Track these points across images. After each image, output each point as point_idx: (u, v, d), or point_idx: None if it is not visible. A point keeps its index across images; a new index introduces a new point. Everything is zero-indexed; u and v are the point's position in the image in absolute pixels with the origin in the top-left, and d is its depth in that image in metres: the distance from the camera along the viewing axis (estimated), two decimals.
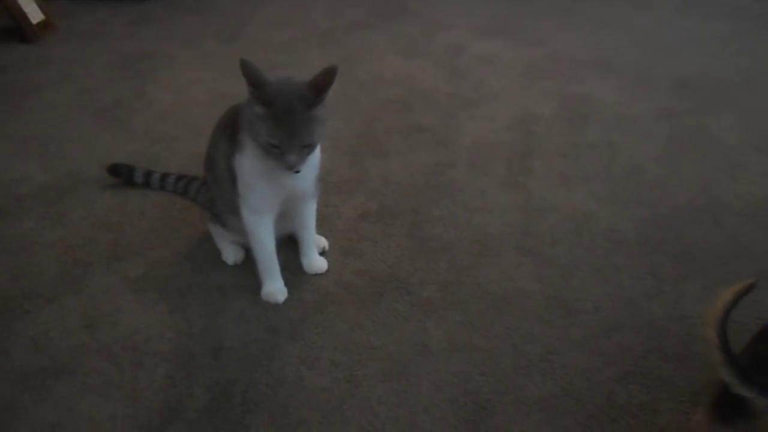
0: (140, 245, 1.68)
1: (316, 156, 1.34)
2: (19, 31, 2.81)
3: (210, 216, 1.63)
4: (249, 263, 1.56)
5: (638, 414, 1.25)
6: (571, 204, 1.83)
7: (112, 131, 2.19)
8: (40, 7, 2.90)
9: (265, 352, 1.38)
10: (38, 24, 2.86)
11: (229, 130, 1.34)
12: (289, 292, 1.51)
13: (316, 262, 1.57)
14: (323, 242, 1.63)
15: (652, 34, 3.16)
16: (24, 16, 2.80)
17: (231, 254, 1.61)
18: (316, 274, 1.57)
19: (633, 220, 1.78)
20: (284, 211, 1.43)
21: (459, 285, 1.54)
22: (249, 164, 1.30)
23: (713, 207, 1.85)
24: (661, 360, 1.36)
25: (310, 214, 1.50)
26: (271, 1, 3.30)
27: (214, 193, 1.52)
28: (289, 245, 1.61)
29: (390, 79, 2.53)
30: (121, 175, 1.89)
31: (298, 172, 1.24)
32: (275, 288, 1.49)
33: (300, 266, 1.59)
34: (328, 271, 1.58)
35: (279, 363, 1.36)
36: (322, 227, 1.69)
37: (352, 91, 2.43)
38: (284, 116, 1.17)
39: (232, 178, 1.36)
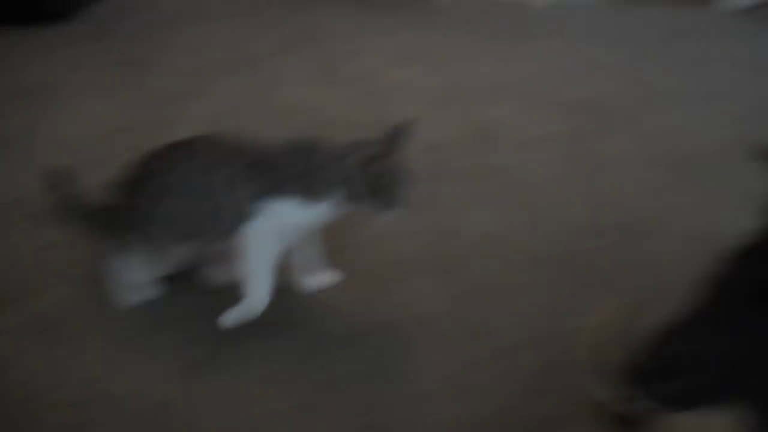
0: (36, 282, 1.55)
1: None
2: None
3: (116, 249, 1.46)
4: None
5: (548, 429, 1.26)
6: (480, 227, 1.85)
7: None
8: None
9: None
10: None
11: (262, 174, 1.34)
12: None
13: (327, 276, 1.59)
14: None
15: (555, 60, 3.31)
16: None
17: (134, 293, 1.49)
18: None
19: (538, 239, 1.82)
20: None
21: (371, 313, 1.51)
22: (312, 213, 1.36)
23: (609, 225, 1.92)
24: (567, 373, 1.38)
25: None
26: (179, 29, 3.21)
27: (168, 221, 1.37)
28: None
29: (301, 108, 2.50)
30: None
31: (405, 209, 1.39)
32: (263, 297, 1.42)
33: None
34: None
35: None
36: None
37: (262, 120, 2.38)
38: (399, 172, 1.37)
39: (238, 209, 1.34)
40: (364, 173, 1.32)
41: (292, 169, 1.34)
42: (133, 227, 1.39)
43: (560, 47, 3.50)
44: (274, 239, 1.37)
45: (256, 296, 1.39)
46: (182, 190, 1.34)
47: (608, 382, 0.85)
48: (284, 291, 1.50)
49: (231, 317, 1.40)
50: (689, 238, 1.86)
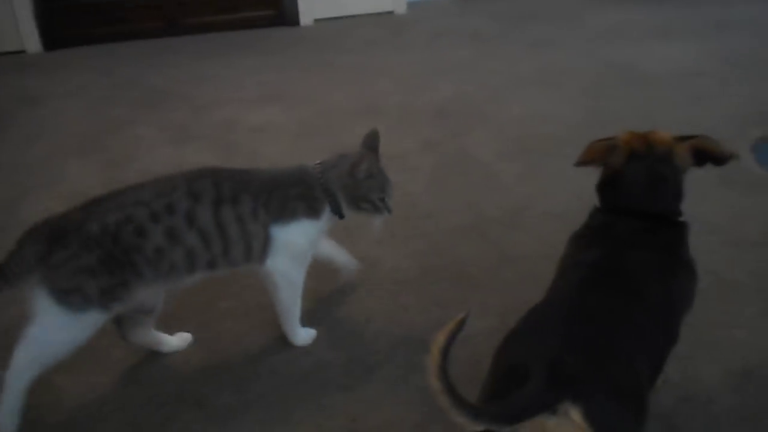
0: None
1: None
2: None
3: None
4: None
5: None
6: (356, 254, 1.84)
7: None
8: None
9: None
10: None
11: (270, 202, 1.39)
12: None
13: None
14: None
15: (409, 71, 3.38)
16: None
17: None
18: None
19: (413, 255, 1.83)
20: None
21: (256, 377, 1.45)
22: (318, 227, 1.45)
23: (479, 222, 1.97)
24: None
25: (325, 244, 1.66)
26: (16, 116, 3.00)
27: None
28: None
29: (161, 172, 2.40)
30: None
31: (390, 213, 1.50)
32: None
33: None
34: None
35: None
36: None
37: None
38: (384, 176, 1.48)
39: (247, 242, 1.38)
40: (354, 180, 1.43)
41: (289, 192, 1.42)
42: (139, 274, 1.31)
43: (410, 58, 3.59)
44: (299, 271, 1.46)
45: (300, 335, 1.51)
46: (189, 234, 1.32)
47: (456, 405, 0.85)
48: None
49: (292, 336, 1.51)
50: (548, 224, 1.94)
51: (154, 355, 1.52)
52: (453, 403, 0.84)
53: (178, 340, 1.53)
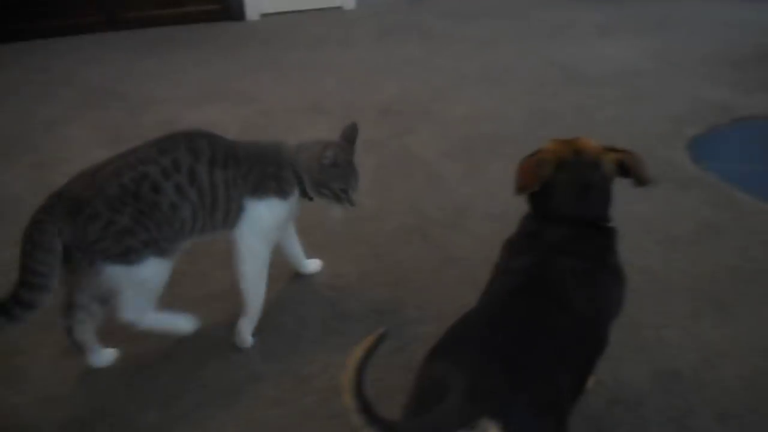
0: None
1: None
2: None
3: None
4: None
5: None
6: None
7: None
8: None
9: None
10: None
11: (249, 175, 1.42)
12: None
13: (312, 263, 1.75)
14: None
15: (355, 69, 3.33)
16: None
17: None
18: None
19: (354, 259, 1.79)
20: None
21: (184, 393, 1.38)
22: (286, 208, 1.48)
23: (421, 223, 1.95)
24: (391, 399, 1.35)
25: (293, 232, 1.69)
26: None
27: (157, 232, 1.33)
28: None
29: None
30: None
31: (353, 206, 1.50)
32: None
33: None
34: None
35: None
36: None
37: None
38: (352, 169, 1.48)
39: (235, 210, 1.43)
40: (319, 166, 1.45)
41: (266, 170, 1.44)
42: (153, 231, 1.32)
43: (356, 56, 3.54)
44: (264, 247, 1.48)
45: (258, 306, 1.50)
46: (191, 191, 1.35)
47: (370, 423, 0.81)
48: None
49: (244, 332, 1.49)
50: (488, 225, 1.93)
51: (75, 371, 1.44)
52: (367, 421, 0.81)
53: (106, 355, 1.46)
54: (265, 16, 4.32)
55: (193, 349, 1.49)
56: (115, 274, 1.30)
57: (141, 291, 1.35)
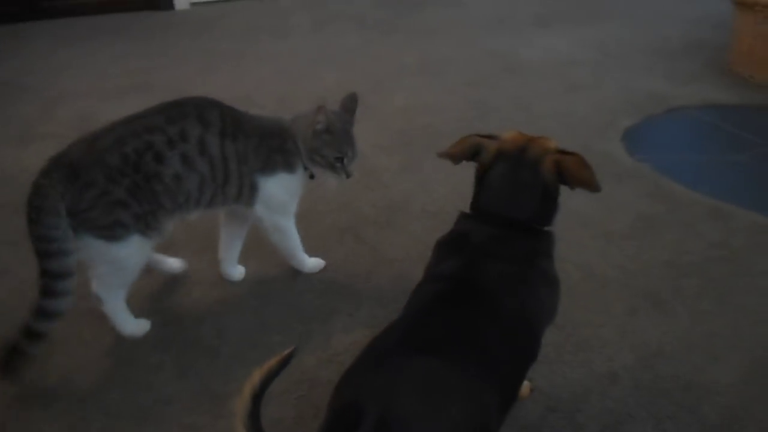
0: None
1: None
2: None
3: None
4: None
5: None
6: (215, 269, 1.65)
7: None
8: None
9: None
10: None
11: (258, 150, 1.39)
12: None
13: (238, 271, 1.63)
14: None
15: (291, 59, 3.18)
16: None
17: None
18: None
19: (280, 263, 1.66)
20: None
21: (85, 421, 1.23)
22: (297, 180, 1.46)
23: (354, 222, 1.83)
24: (316, 419, 1.24)
25: (242, 233, 1.62)
26: None
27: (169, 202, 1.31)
28: None
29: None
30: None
31: (349, 177, 1.46)
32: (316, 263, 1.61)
33: None
34: None
35: None
36: None
37: None
38: (347, 138, 1.44)
39: (247, 186, 1.40)
40: (315, 132, 1.40)
41: (272, 144, 1.40)
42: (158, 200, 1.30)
43: (293, 45, 3.39)
44: (284, 219, 1.49)
45: (308, 263, 1.59)
46: (201, 162, 1.32)
47: None
48: None
49: (302, 264, 1.58)
50: (424, 222, 1.84)
51: None
52: None
53: None
54: (195, 5, 4.10)
55: (96, 372, 1.34)
56: (95, 248, 1.26)
57: (116, 270, 1.32)
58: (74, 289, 1.25)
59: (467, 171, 1.15)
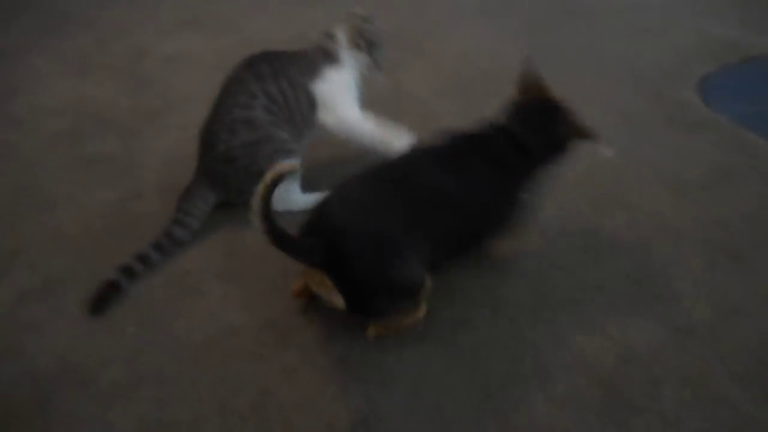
0: None
1: None
2: None
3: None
4: None
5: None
6: None
7: None
8: None
9: None
10: None
11: (302, 67, 1.53)
12: None
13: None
14: None
15: (343, 1, 3.05)
16: None
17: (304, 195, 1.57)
18: None
19: None
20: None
21: (151, 348, 1.23)
22: (345, 72, 1.57)
23: None
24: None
25: None
26: None
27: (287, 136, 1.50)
28: None
29: (56, 108, 2.06)
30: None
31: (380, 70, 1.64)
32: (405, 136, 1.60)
33: None
34: None
35: None
36: None
37: (5, 134, 1.93)
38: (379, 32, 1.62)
39: (310, 101, 1.53)
40: (362, 33, 1.58)
41: (314, 56, 1.56)
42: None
43: None
44: (349, 110, 1.56)
45: (398, 138, 1.58)
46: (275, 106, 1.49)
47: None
48: None
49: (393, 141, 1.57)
50: None
51: (35, 329, 1.27)
52: (264, 228, 1.07)
53: None
54: None
55: (159, 301, 1.33)
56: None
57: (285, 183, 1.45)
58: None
59: None
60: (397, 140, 1.57)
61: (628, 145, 1.79)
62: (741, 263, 1.40)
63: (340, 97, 1.55)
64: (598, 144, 1.21)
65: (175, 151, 1.83)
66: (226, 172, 1.46)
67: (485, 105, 2.05)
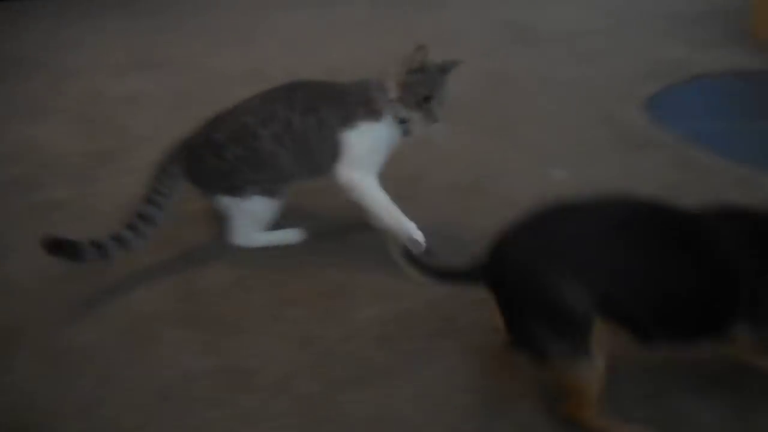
0: None
1: None
2: None
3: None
4: None
5: None
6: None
7: None
8: None
9: None
10: None
11: (338, 110, 1.45)
12: None
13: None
14: None
15: (299, 34, 3.09)
16: None
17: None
18: None
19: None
20: None
21: (109, 400, 1.20)
22: (382, 130, 1.46)
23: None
24: (342, 392, 1.21)
25: None
26: None
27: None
28: None
29: (7, 154, 2.02)
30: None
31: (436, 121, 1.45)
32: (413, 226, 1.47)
33: None
34: None
35: None
36: None
37: None
38: (439, 78, 1.46)
39: (332, 148, 1.46)
40: (410, 70, 1.42)
41: (352, 99, 1.46)
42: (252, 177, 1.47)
43: (300, 20, 3.30)
44: (364, 174, 1.47)
45: (408, 227, 1.45)
46: (288, 139, 1.45)
47: None
48: None
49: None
50: (443, 194, 1.78)
51: None
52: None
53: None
54: None
55: (115, 347, 1.30)
56: (225, 203, 1.50)
57: (249, 219, 1.51)
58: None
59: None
60: (405, 222, 1.46)
61: (579, 166, 1.84)
62: None
63: (362, 157, 1.46)
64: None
65: (130, 195, 1.79)
66: (208, 159, 1.46)
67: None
